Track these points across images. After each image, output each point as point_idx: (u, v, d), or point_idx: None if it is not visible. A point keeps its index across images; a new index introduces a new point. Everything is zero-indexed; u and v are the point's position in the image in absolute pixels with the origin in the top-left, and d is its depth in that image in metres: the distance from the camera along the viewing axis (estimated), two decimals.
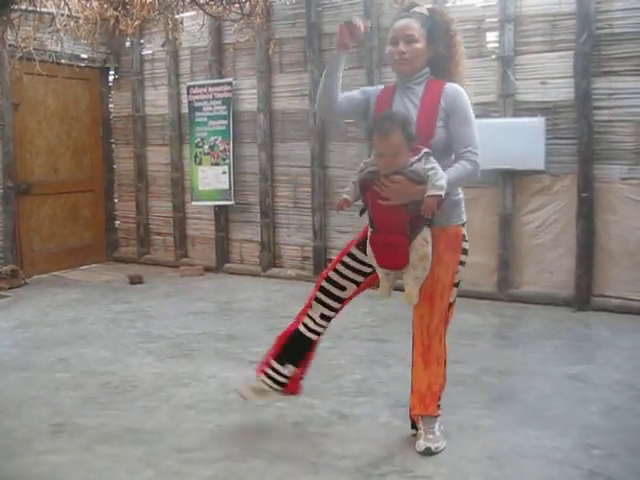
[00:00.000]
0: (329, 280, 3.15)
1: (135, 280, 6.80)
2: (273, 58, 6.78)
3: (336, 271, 3.14)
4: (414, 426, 3.14)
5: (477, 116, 5.81)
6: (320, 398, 3.64)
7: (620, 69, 5.21)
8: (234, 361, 4.39)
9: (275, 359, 3.20)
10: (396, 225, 2.88)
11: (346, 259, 3.13)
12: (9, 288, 6.46)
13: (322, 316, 3.17)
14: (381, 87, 3.20)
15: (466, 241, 3.10)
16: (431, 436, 3.05)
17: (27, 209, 7.08)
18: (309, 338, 3.18)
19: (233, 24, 6.67)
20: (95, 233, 7.95)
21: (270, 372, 3.20)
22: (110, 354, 4.57)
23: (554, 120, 5.48)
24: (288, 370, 3.19)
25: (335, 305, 3.17)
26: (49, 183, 7.34)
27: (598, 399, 3.62)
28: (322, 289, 3.16)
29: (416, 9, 3.02)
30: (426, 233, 2.89)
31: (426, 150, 2.85)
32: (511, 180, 5.67)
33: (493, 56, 5.70)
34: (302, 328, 3.18)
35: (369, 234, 3.00)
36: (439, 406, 3.10)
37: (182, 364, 4.34)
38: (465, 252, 3.09)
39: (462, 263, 3.08)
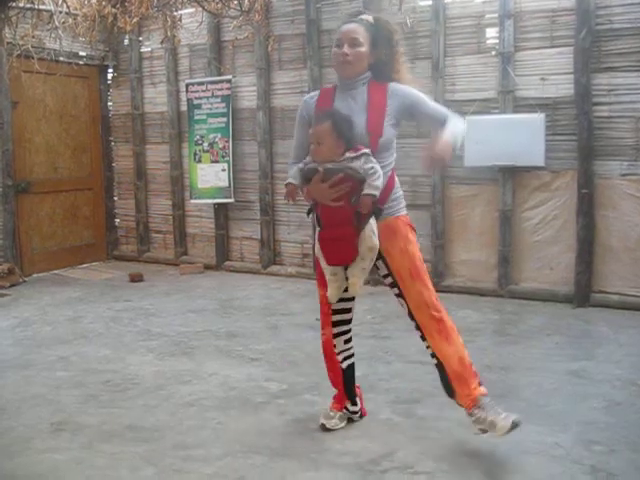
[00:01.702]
0: (336, 312, 3.23)
1: (135, 278, 6.80)
2: (272, 55, 6.77)
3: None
4: (472, 415, 3.01)
5: (477, 112, 5.87)
6: (321, 395, 3.64)
7: (620, 65, 5.21)
8: (234, 359, 4.39)
9: (350, 401, 3.34)
10: (342, 218, 2.92)
11: None
12: (9, 286, 6.46)
13: (346, 341, 3.31)
14: (315, 94, 3.21)
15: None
16: (503, 414, 2.90)
17: (26, 208, 7.08)
18: (353, 363, 3.36)
19: (232, 21, 6.67)
20: (95, 231, 7.95)
21: (348, 412, 3.35)
22: (110, 352, 4.57)
23: (554, 116, 5.48)
24: (357, 400, 3.38)
25: (349, 326, 3.31)
26: (48, 181, 7.33)
27: (598, 395, 3.62)
28: (335, 324, 3.25)
29: (363, 16, 3.11)
30: (373, 225, 2.93)
31: (365, 151, 2.90)
32: (511, 176, 5.66)
33: (493, 52, 5.69)
34: (344, 363, 3.31)
35: (317, 233, 3.06)
36: (480, 382, 3.02)
37: (183, 362, 4.35)
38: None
39: None
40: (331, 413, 3.32)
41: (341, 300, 3.19)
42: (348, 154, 2.90)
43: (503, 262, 5.75)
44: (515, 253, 5.74)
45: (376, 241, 2.93)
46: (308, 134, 3.05)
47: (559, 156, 5.50)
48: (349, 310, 3.25)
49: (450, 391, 3.05)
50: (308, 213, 3.13)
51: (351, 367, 3.33)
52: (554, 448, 3.02)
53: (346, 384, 3.32)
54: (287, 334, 4.90)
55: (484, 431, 2.95)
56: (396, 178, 3.09)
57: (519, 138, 5.44)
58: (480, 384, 3.02)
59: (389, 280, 3.08)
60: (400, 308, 3.14)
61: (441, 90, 5.84)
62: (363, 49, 3.01)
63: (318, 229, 3.04)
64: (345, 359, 3.31)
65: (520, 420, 2.88)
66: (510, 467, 2.87)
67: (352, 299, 3.23)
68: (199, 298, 6.06)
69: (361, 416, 3.37)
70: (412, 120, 3.15)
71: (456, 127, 2.99)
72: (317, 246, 3.06)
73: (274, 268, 6.98)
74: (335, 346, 3.26)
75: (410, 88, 3.06)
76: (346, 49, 2.99)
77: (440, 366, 3.05)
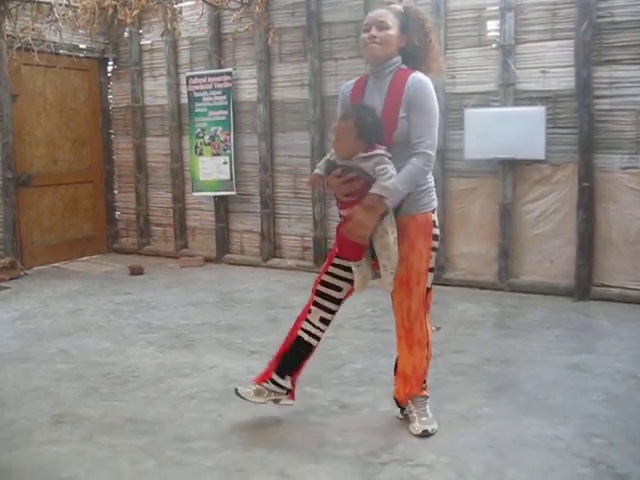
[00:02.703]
0: (324, 283, 3.18)
1: (135, 271, 6.80)
2: (273, 48, 6.75)
3: (329, 273, 3.18)
4: (399, 406, 3.26)
5: (477, 105, 5.84)
6: (321, 388, 3.64)
7: (621, 58, 5.19)
8: (235, 351, 4.39)
9: (276, 372, 3.23)
10: None
11: (337, 260, 3.16)
12: (9, 279, 6.46)
13: (321, 319, 3.20)
14: (353, 81, 3.19)
15: (436, 227, 3.10)
16: (425, 418, 3.12)
17: (27, 201, 7.07)
18: (310, 344, 3.21)
19: (232, 13, 6.65)
20: (95, 224, 7.95)
21: (270, 384, 3.22)
22: (111, 345, 4.57)
23: (555, 109, 5.47)
24: (288, 382, 3.24)
25: (333, 307, 3.20)
26: (48, 174, 7.32)
27: (599, 388, 3.62)
28: (319, 293, 3.19)
29: (392, 5, 3.09)
30: (386, 224, 2.93)
31: (378, 152, 2.88)
32: (511, 169, 5.65)
33: (494, 45, 5.67)
34: (302, 334, 3.21)
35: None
36: (424, 387, 3.21)
37: (183, 354, 4.35)
38: (436, 238, 3.10)
39: (434, 249, 3.10)
40: (251, 385, 3.25)
41: (334, 276, 3.15)
42: (361, 153, 2.88)
43: (503, 255, 5.75)
44: (515, 246, 5.73)
45: (388, 240, 2.93)
46: None
47: (560, 149, 5.49)
48: (338, 301, 3.17)
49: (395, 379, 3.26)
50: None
51: (308, 345, 3.20)
52: (554, 441, 3.03)
53: (290, 354, 3.21)
54: (287, 327, 4.80)
55: (405, 417, 3.21)
56: None
57: (520, 131, 5.43)
58: (424, 388, 3.20)
59: None
60: None
61: (442, 83, 5.82)
62: (391, 32, 2.98)
63: (339, 220, 3.08)
64: (309, 334, 3.18)
65: (434, 432, 3.08)
66: (510, 460, 2.88)
67: (349, 281, 3.14)
68: (199, 291, 6.06)
69: (288, 396, 3.24)
70: None
71: (411, 171, 2.88)
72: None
73: (274, 261, 6.98)
74: (310, 314, 3.18)
75: (427, 87, 2.95)
76: (374, 31, 2.97)
77: (396, 360, 3.24)
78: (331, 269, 3.17)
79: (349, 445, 3.04)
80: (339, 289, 3.17)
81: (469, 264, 5.95)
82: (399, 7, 3.07)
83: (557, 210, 5.56)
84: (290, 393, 3.26)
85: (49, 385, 3.86)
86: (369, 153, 2.88)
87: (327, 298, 3.18)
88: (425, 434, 3.06)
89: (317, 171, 3.06)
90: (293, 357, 3.23)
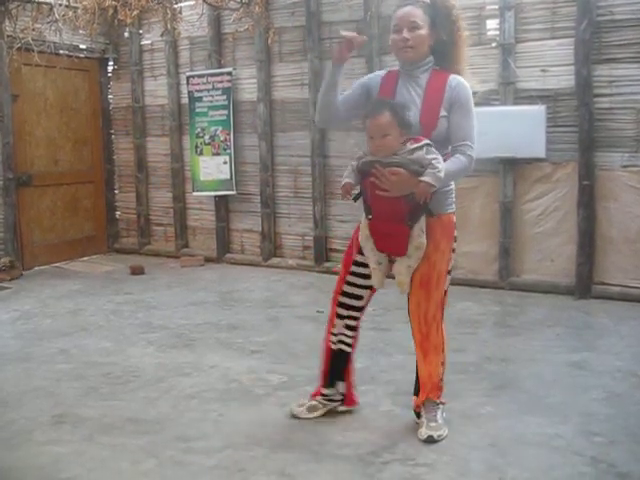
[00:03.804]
0: (345, 294, 3.18)
1: (136, 271, 6.80)
2: (272, 47, 6.74)
3: (348, 283, 3.16)
4: (418, 416, 3.16)
5: (478, 104, 5.81)
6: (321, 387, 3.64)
7: (621, 56, 5.19)
8: (235, 351, 4.39)
9: (325, 386, 3.31)
10: (395, 214, 2.88)
11: (354, 269, 3.14)
12: (10, 280, 6.46)
13: (347, 327, 3.23)
14: (382, 73, 3.15)
15: (455, 229, 3.09)
16: (433, 424, 3.06)
17: (27, 201, 7.07)
18: (344, 352, 3.27)
19: (232, 13, 6.65)
20: (96, 224, 7.95)
21: (322, 399, 3.33)
22: (111, 345, 4.57)
23: (555, 108, 5.47)
24: (340, 387, 3.31)
25: (356, 314, 3.22)
26: (49, 174, 7.32)
27: (599, 386, 3.62)
28: (341, 304, 3.20)
29: None
30: (422, 223, 2.90)
31: (427, 141, 2.83)
32: (512, 168, 5.65)
33: (494, 44, 5.67)
34: (334, 346, 3.27)
35: (365, 222, 3.01)
36: (440, 395, 3.12)
37: (183, 354, 4.35)
38: (455, 239, 3.10)
39: (453, 250, 3.09)
40: (304, 401, 3.35)
41: (354, 285, 3.14)
42: (409, 145, 2.82)
43: (504, 254, 5.75)
44: (516, 245, 5.73)
45: (424, 240, 2.90)
46: (358, 94, 3.08)
47: (560, 148, 5.48)
48: (360, 297, 3.16)
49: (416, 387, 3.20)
50: (355, 199, 3.02)
51: (344, 353, 3.26)
52: (555, 439, 3.03)
53: (330, 366, 3.29)
54: (288, 326, 4.91)
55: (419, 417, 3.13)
56: None
57: (520, 130, 5.43)
58: (439, 396, 3.12)
59: None
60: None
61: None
62: (423, 32, 2.93)
63: (368, 217, 2.97)
64: (340, 342, 3.24)
65: (440, 439, 3.01)
66: (511, 458, 2.87)
67: (369, 287, 3.13)
68: (200, 290, 6.06)
69: (343, 403, 3.34)
70: None
71: (459, 166, 2.89)
72: (364, 233, 3.01)
73: (275, 260, 6.98)
74: (334, 326, 3.23)
75: (468, 90, 2.98)
76: (406, 34, 2.92)
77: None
78: (350, 279, 3.15)
79: (350, 444, 3.03)
80: (360, 297, 3.18)
81: (470, 263, 5.94)
82: None
83: (557, 208, 5.56)
84: (346, 398, 3.34)
85: (49, 385, 3.85)
86: (420, 143, 2.81)
87: (349, 308, 3.19)
88: (430, 440, 2.99)
89: (348, 180, 2.93)
90: (335, 368, 3.30)
